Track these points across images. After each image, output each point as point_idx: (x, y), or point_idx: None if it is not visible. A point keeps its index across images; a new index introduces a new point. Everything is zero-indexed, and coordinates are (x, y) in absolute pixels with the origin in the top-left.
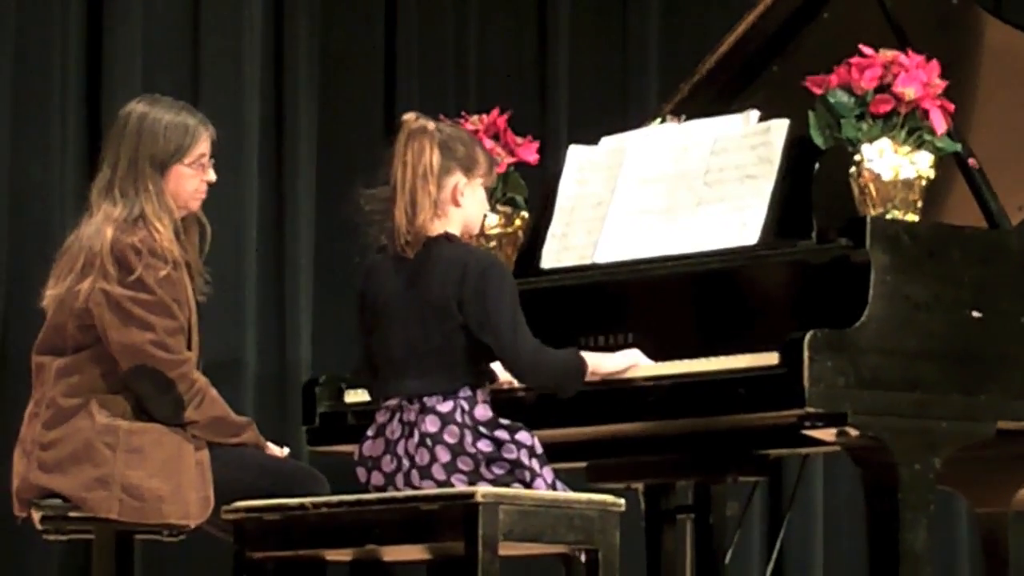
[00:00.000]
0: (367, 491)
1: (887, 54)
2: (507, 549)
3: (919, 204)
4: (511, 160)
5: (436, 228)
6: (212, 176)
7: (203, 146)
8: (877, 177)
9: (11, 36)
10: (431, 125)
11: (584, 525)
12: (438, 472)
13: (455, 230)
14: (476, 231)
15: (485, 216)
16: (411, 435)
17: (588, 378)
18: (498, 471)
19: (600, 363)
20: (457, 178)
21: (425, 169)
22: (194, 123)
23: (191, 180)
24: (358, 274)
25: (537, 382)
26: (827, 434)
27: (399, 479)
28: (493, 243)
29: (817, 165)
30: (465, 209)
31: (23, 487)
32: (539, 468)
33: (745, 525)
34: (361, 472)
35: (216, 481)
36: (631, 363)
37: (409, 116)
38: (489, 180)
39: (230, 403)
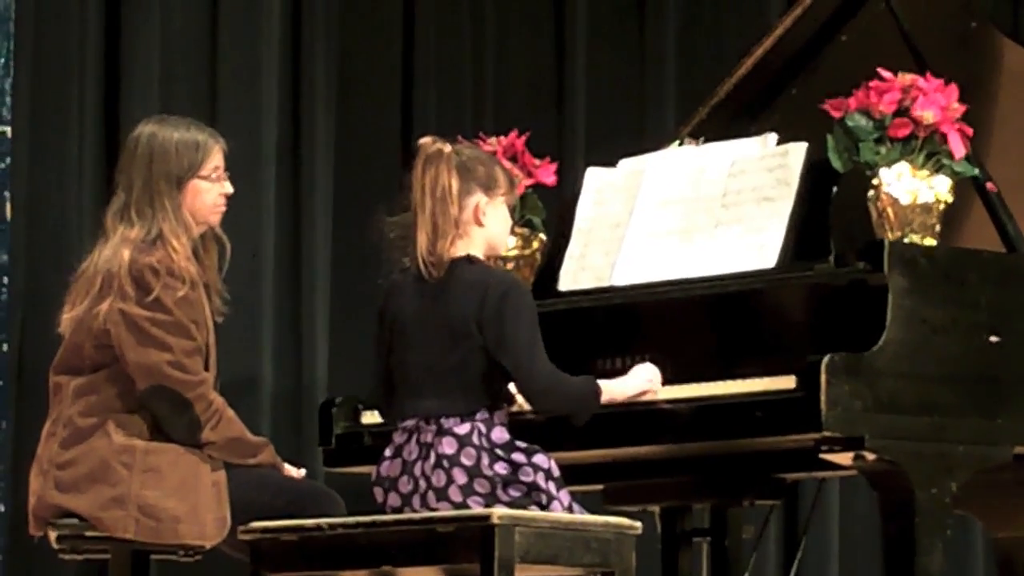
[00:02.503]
0: (384, 512)
1: (906, 78)
2: (523, 571)
3: (937, 228)
4: (529, 182)
5: (459, 250)
6: (229, 188)
7: (216, 159)
8: (895, 201)
9: (29, 56)
10: (447, 148)
11: (600, 548)
12: (455, 494)
13: (479, 250)
14: (502, 250)
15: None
16: (428, 456)
17: (605, 402)
18: (515, 494)
19: (616, 391)
20: (478, 198)
21: (444, 192)
22: (204, 137)
23: (208, 194)
24: (379, 294)
25: (549, 407)
26: (844, 458)
27: (416, 500)
28: (511, 264)
29: (835, 188)
30: (488, 228)
31: (39, 506)
32: (556, 491)
33: (761, 549)
34: (378, 492)
35: (232, 501)
36: (646, 385)
37: (426, 140)
38: (511, 197)
39: (247, 423)
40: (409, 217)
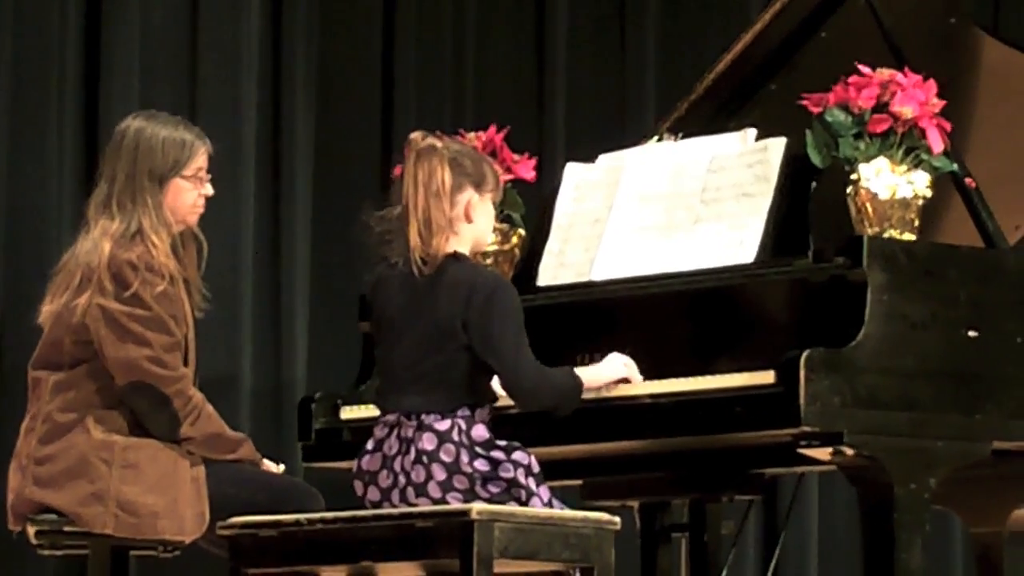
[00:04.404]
0: (364, 505)
1: (884, 73)
2: (502, 567)
3: (916, 223)
4: (508, 177)
5: (449, 246)
6: (210, 190)
7: (201, 160)
8: (874, 196)
9: (8, 52)
10: (440, 143)
11: (580, 543)
12: (434, 490)
13: (465, 247)
14: (486, 246)
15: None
16: (408, 452)
17: (583, 394)
18: (494, 490)
19: (592, 379)
20: (469, 194)
21: (438, 188)
22: (191, 137)
23: (189, 194)
24: (358, 291)
25: (537, 405)
26: (823, 453)
27: (395, 495)
28: (490, 260)
29: (814, 184)
30: (476, 225)
31: (18, 502)
32: (535, 487)
33: (740, 544)
34: (358, 486)
35: (211, 497)
36: (622, 370)
37: (416, 135)
38: (497, 194)
39: (226, 419)
40: (395, 211)
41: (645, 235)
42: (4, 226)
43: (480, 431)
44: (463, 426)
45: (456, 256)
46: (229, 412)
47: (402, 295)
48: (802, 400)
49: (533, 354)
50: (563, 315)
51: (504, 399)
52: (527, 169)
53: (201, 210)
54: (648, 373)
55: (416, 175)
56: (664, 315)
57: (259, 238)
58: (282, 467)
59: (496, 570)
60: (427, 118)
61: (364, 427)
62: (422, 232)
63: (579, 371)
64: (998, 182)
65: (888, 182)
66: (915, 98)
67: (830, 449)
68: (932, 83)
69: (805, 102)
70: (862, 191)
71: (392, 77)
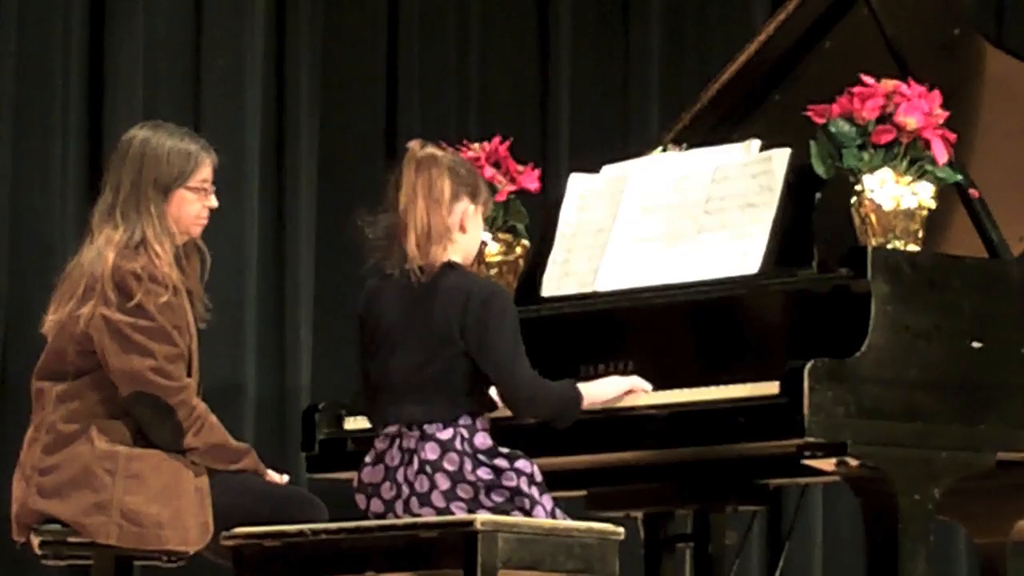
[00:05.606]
0: (366, 518)
1: (889, 84)
2: None
3: (920, 234)
4: (512, 188)
5: (445, 255)
6: (214, 202)
7: (205, 171)
8: (878, 207)
9: (12, 61)
10: (439, 152)
11: (583, 553)
12: (437, 499)
13: (459, 257)
14: (472, 259)
15: (485, 244)
16: (410, 462)
17: (585, 407)
18: (497, 499)
19: (596, 393)
20: (465, 204)
21: (438, 196)
22: (196, 149)
23: (193, 205)
24: (358, 298)
25: (533, 414)
26: (827, 464)
27: (398, 506)
28: (494, 271)
29: (818, 195)
30: (469, 236)
31: (22, 512)
32: (539, 496)
33: (744, 554)
34: (360, 499)
35: (215, 507)
36: (628, 387)
37: (415, 144)
38: (487, 208)
39: (230, 429)
40: (389, 218)
41: (649, 245)
42: (8, 235)
43: (483, 439)
44: (465, 434)
45: (451, 265)
46: (233, 422)
47: (398, 306)
48: (806, 411)
49: (535, 364)
50: (567, 326)
51: (503, 408)
52: (531, 179)
53: (205, 221)
54: (652, 384)
55: (416, 184)
56: (668, 326)
57: (263, 247)
58: (286, 477)
59: None
60: (431, 128)
61: (368, 437)
62: (420, 241)
63: (581, 385)
64: (1002, 192)
65: (892, 193)
66: (919, 108)
67: (834, 460)
68: (936, 93)
69: (809, 112)
70: (866, 202)
71: (396, 88)
